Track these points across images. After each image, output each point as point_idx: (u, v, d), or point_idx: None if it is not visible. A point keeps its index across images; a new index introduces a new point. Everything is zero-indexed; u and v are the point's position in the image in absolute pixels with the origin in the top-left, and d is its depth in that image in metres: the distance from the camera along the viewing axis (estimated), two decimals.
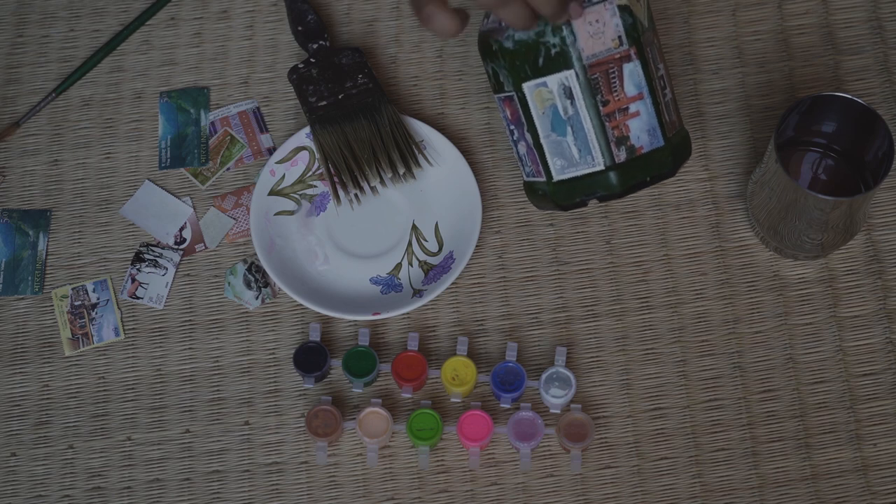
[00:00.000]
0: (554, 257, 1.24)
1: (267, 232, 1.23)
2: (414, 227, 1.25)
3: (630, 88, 1.11)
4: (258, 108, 1.29)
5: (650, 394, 1.19)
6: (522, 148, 1.14)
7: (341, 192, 1.24)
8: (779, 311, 1.21)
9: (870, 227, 1.25)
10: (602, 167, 1.11)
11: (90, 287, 1.23)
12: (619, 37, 1.10)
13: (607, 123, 1.11)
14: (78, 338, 1.22)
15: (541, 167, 1.14)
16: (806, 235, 1.17)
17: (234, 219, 1.25)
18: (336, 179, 1.24)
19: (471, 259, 1.24)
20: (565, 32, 1.08)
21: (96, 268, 1.24)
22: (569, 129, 1.11)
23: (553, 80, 1.10)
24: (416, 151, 1.25)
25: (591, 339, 1.21)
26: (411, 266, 1.23)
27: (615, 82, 1.11)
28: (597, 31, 1.09)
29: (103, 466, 1.18)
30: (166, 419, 1.19)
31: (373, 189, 1.25)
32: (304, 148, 1.26)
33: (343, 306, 1.20)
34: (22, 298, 1.23)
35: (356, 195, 1.23)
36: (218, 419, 1.19)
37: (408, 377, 1.17)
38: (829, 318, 1.21)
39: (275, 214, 1.24)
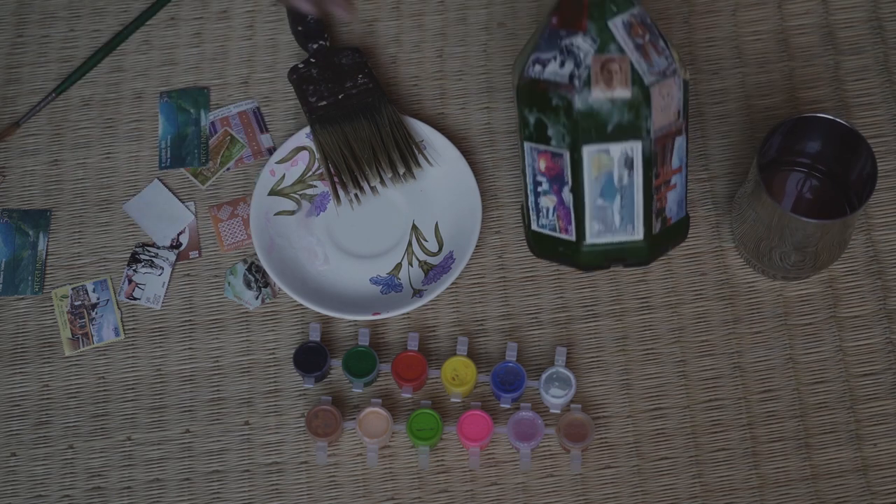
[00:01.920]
0: None
1: (267, 232, 1.23)
2: (414, 227, 1.25)
3: (675, 161, 1.12)
4: (258, 109, 1.29)
5: (650, 394, 1.19)
6: (549, 202, 1.13)
7: (341, 192, 1.24)
8: (779, 311, 1.21)
9: (870, 227, 1.25)
10: (640, 237, 1.12)
11: (90, 287, 1.23)
12: (678, 111, 1.10)
13: (654, 196, 1.11)
14: (78, 338, 1.22)
15: (572, 227, 1.12)
16: (788, 258, 1.16)
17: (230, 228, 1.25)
18: (336, 179, 1.24)
19: (471, 259, 1.24)
20: (643, 104, 1.07)
21: (96, 268, 1.24)
22: (619, 197, 1.10)
23: (617, 149, 1.08)
24: (416, 151, 1.25)
25: (591, 339, 1.21)
26: (411, 266, 1.23)
27: (668, 155, 1.11)
28: (665, 105, 1.09)
29: (103, 466, 1.18)
30: (166, 419, 1.19)
31: (373, 189, 1.25)
32: (304, 148, 1.26)
33: (343, 306, 1.20)
34: (22, 298, 1.23)
35: (356, 195, 1.23)
36: (218, 419, 1.19)
37: (408, 377, 1.17)
38: (829, 319, 1.21)
39: (275, 214, 1.24)
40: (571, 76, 1.06)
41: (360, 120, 1.25)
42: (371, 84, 1.26)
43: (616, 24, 1.06)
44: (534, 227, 1.15)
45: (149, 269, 1.23)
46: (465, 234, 1.23)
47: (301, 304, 1.22)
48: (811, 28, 1.32)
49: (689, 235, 1.25)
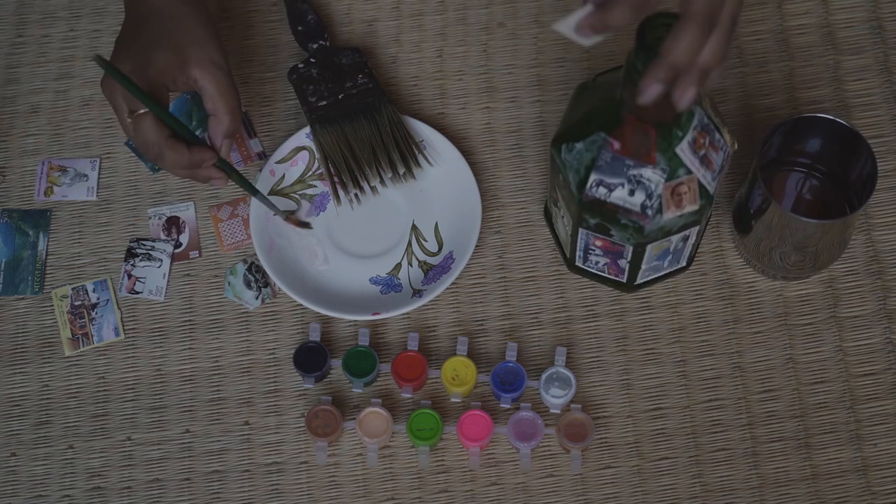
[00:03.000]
0: (554, 257, 1.24)
1: (267, 232, 1.23)
2: (414, 227, 1.25)
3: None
4: (245, 113, 1.29)
5: (650, 394, 1.19)
6: (600, 259, 1.16)
7: (341, 192, 1.24)
8: (779, 311, 1.21)
9: (870, 227, 1.25)
10: (683, 265, 1.20)
11: (90, 287, 1.23)
12: (727, 156, 1.13)
13: (697, 242, 1.18)
14: (78, 338, 1.21)
15: (624, 276, 1.17)
16: (788, 258, 1.16)
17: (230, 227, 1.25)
18: (336, 179, 1.24)
19: (471, 259, 1.24)
20: (707, 206, 1.09)
21: (96, 268, 1.24)
22: (671, 256, 1.15)
23: (677, 236, 1.12)
24: (416, 151, 1.25)
25: (591, 339, 1.21)
26: (411, 266, 1.23)
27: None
28: (718, 191, 1.13)
29: (103, 466, 1.18)
30: (166, 419, 1.19)
31: (373, 189, 1.25)
32: (303, 148, 1.26)
33: (343, 306, 1.20)
34: (22, 298, 1.23)
35: (356, 195, 1.23)
36: (218, 419, 1.19)
37: (408, 377, 1.17)
38: (829, 319, 1.21)
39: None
40: (643, 206, 1.07)
41: (360, 120, 1.25)
42: (371, 84, 1.26)
43: (683, 149, 1.06)
44: (577, 263, 1.19)
45: (147, 262, 1.23)
46: (465, 234, 1.23)
47: (301, 304, 1.22)
48: (811, 28, 1.32)
49: None
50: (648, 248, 1.11)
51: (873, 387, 1.19)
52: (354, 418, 1.17)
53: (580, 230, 1.12)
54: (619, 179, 1.06)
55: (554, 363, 1.18)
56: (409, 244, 1.24)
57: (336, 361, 1.19)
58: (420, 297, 1.20)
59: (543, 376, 1.16)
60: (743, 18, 1.32)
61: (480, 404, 1.17)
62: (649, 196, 1.06)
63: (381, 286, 1.23)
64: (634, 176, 1.06)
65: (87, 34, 1.33)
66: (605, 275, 1.18)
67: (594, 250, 1.15)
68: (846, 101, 1.29)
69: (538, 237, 1.24)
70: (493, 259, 1.24)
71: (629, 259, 1.13)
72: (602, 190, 1.07)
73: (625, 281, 1.18)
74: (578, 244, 1.15)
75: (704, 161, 1.07)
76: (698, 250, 1.23)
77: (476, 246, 1.24)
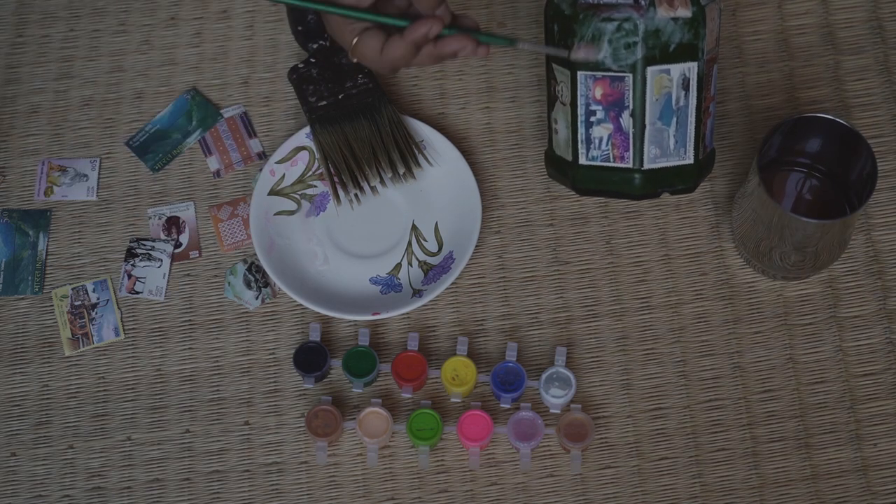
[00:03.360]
0: (554, 257, 1.24)
1: (267, 232, 1.23)
2: (414, 227, 1.25)
3: (713, 89, 1.15)
4: (245, 113, 1.29)
5: (650, 394, 1.19)
6: (603, 131, 1.13)
7: (341, 192, 1.24)
8: (779, 311, 1.21)
9: (870, 227, 1.25)
10: (691, 161, 1.14)
11: (90, 287, 1.23)
12: (717, 37, 1.14)
13: (702, 120, 1.14)
14: (78, 338, 1.22)
15: (629, 153, 1.14)
16: (788, 258, 1.16)
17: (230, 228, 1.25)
18: (336, 179, 1.24)
19: (471, 259, 1.24)
20: (700, 24, 1.09)
21: (96, 268, 1.24)
22: (675, 119, 1.13)
23: (677, 70, 1.11)
24: (416, 151, 1.25)
25: (591, 339, 1.21)
26: (411, 266, 1.23)
27: (711, 80, 1.14)
28: (712, 29, 1.12)
29: (103, 466, 1.18)
30: (166, 419, 1.19)
31: (373, 189, 1.25)
32: (303, 148, 1.26)
33: (343, 306, 1.20)
34: (22, 298, 1.23)
35: (356, 195, 1.23)
36: (218, 419, 1.19)
37: (408, 377, 1.17)
38: (829, 319, 1.21)
39: (275, 214, 1.24)
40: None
41: (360, 120, 1.25)
42: (371, 84, 1.26)
43: None
44: (582, 161, 1.15)
45: (147, 262, 1.23)
46: (464, 234, 1.23)
47: (301, 304, 1.22)
48: (811, 28, 1.32)
49: (689, 235, 1.25)
50: (649, 80, 1.10)
51: (873, 387, 1.19)
52: (354, 418, 1.17)
53: (579, 80, 1.12)
54: None
55: (554, 363, 1.18)
56: (409, 244, 1.24)
57: (336, 361, 1.19)
58: (420, 297, 1.20)
59: (543, 376, 1.16)
60: (743, 18, 1.32)
61: (480, 404, 1.17)
62: None
63: (381, 286, 1.23)
64: None
65: (87, 34, 1.33)
66: (611, 163, 1.14)
67: (596, 112, 1.13)
68: (846, 101, 1.29)
69: (538, 237, 1.24)
70: (493, 259, 1.24)
71: (632, 107, 1.12)
72: None
73: (632, 164, 1.14)
74: (579, 114, 1.14)
75: None
76: (700, 253, 1.23)
77: (476, 246, 1.24)
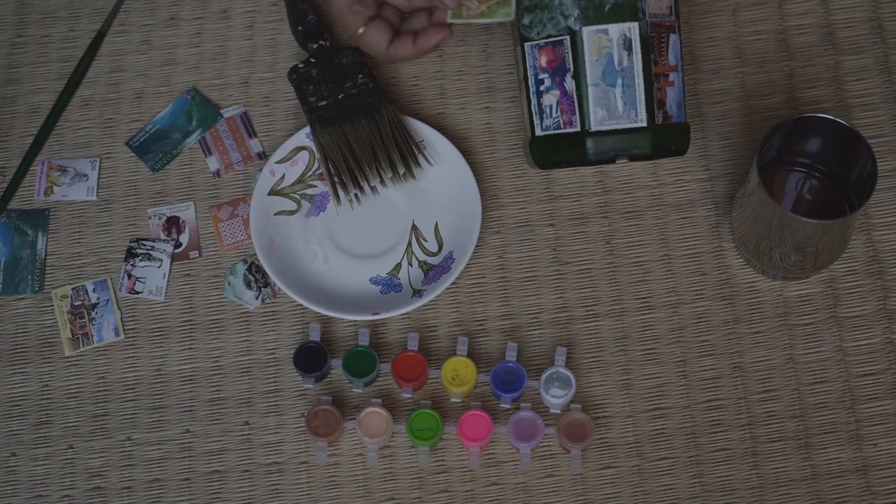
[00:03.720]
0: (554, 257, 1.24)
1: (267, 232, 1.23)
2: (414, 227, 1.25)
3: (671, 58, 1.15)
4: (245, 113, 1.29)
5: (650, 394, 1.19)
6: (552, 98, 1.15)
7: (341, 192, 1.24)
8: (779, 311, 1.21)
9: (870, 227, 1.25)
10: (644, 124, 1.14)
11: (90, 287, 1.23)
12: (671, 7, 1.15)
13: (654, 84, 1.14)
14: (78, 338, 1.21)
15: (576, 116, 1.14)
16: (788, 258, 1.16)
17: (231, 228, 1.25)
18: (336, 179, 1.24)
19: (471, 259, 1.24)
20: None
21: (96, 268, 1.24)
22: (619, 80, 1.13)
23: (615, 30, 1.12)
24: (416, 151, 1.25)
25: (591, 339, 1.21)
26: (411, 266, 1.23)
27: (663, 48, 1.15)
28: None
29: (103, 466, 1.18)
30: (166, 419, 1.19)
31: (373, 189, 1.25)
32: (303, 148, 1.26)
33: (343, 306, 1.20)
34: (22, 298, 1.23)
35: (356, 195, 1.23)
36: (218, 419, 1.19)
37: (408, 377, 1.17)
38: (829, 319, 1.21)
39: (275, 214, 1.24)
40: None
41: (360, 120, 1.25)
42: (371, 84, 1.26)
43: None
44: (538, 132, 1.17)
45: (147, 262, 1.23)
46: (464, 234, 1.23)
47: (301, 304, 1.22)
48: (811, 28, 1.32)
49: (689, 235, 1.25)
50: (586, 40, 1.12)
51: (873, 387, 1.19)
52: (354, 418, 1.17)
53: (526, 49, 1.15)
54: None
55: (554, 363, 1.18)
56: (409, 244, 1.24)
57: (336, 361, 1.19)
58: (420, 297, 1.20)
59: (543, 376, 1.16)
60: (743, 18, 1.32)
61: (480, 404, 1.17)
62: None
63: (381, 286, 1.23)
64: None
65: (87, 34, 1.33)
66: (562, 129, 1.15)
67: (544, 81, 1.15)
68: (846, 101, 1.29)
69: (538, 237, 1.24)
70: (493, 259, 1.24)
71: (571, 68, 1.13)
72: None
73: (580, 128, 1.14)
74: (530, 86, 1.16)
75: None
76: (700, 253, 1.23)
77: (476, 246, 1.24)
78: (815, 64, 1.30)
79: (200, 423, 1.19)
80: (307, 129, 1.26)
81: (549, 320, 1.22)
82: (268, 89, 1.30)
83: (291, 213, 1.25)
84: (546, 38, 1.14)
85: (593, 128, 1.14)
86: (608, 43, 1.13)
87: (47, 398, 1.20)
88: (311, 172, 1.26)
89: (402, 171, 1.23)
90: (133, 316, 1.22)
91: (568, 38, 1.13)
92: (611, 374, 1.20)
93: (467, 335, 1.21)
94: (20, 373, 1.21)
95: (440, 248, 1.24)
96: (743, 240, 1.19)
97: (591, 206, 1.26)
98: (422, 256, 1.24)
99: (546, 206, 1.26)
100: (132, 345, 1.21)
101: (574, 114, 1.14)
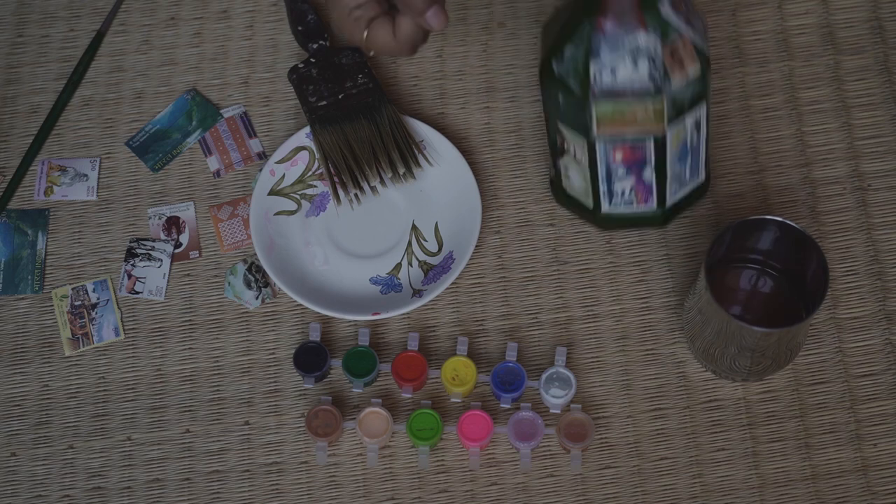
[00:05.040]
0: (554, 257, 1.24)
1: (267, 232, 1.23)
2: (414, 227, 1.25)
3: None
4: (245, 113, 1.29)
5: (650, 394, 1.19)
6: (625, 185, 1.16)
7: (341, 192, 1.24)
8: None
9: (870, 227, 1.25)
10: (703, 179, 1.20)
11: (90, 287, 1.23)
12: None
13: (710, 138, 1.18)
14: (78, 338, 1.22)
15: (654, 198, 1.17)
16: (735, 361, 1.13)
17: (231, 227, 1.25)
18: (336, 179, 1.24)
19: (471, 259, 1.24)
20: (706, 70, 1.09)
21: (96, 268, 1.24)
22: (689, 156, 1.15)
23: (691, 117, 1.12)
24: (416, 151, 1.25)
25: (591, 339, 1.21)
26: (411, 266, 1.23)
27: None
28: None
29: (103, 466, 1.18)
30: (166, 419, 1.19)
31: (373, 189, 1.25)
32: (303, 148, 1.26)
33: (343, 306, 1.20)
34: (22, 298, 1.23)
35: (356, 195, 1.23)
36: (218, 419, 1.19)
37: (408, 377, 1.17)
38: (829, 320, 1.21)
39: (275, 214, 1.24)
40: (651, 77, 1.07)
41: (360, 120, 1.25)
42: (371, 84, 1.26)
43: (666, 10, 1.06)
44: (604, 210, 1.19)
45: (147, 262, 1.23)
46: (464, 234, 1.23)
47: (301, 304, 1.22)
48: (811, 28, 1.32)
49: (688, 235, 1.25)
50: (669, 137, 1.11)
51: (873, 387, 1.19)
52: (354, 418, 1.17)
53: (598, 147, 1.12)
54: (619, 54, 1.06)
55: (554, 363, 1.18)
56: (409, 244, 1.24)
57: (336, 361, 1.19)
58: (420, 297, 1.20)
59: (543, 376, 1.16)
60: (743, 18, 1.32)
61: (480, 404, 1.17)
62: (653, 61, 1.06)
63: (381, 286, 1.23)
64: (632, 47, 1.06)
65: (87, 34, 1.33)
66: (634, 211, 1.16)
67: (616, 172, 1.13)
68: (846, 101, 1.29)
69: (538, 237, 1.24)
70: (493, 259, 1.24)
71: (653, 163, 1.12)
72: (606, 76, 1.07)
73: (655, 206, 1.17)
74: (600, 174, 1.14)
75: (687, 21, 1.07)
76: (700, 253, 1.23)
77: (476, 246, 1.24)
78: (815, 64, 1.31)
79: (200, 423, 1.19)
80: (307, 129, 1.26)
81: (548, 320, 1.22)
82: (268, 89, 1.30)
83: (291, 213, 1.25)
84: (627, 140, 1.11)
85: (669, 204, 1.18)
86: (684, 131, 1.12)
87: (47, 398, 1.20)
88: (311, 172, 1.26)
89: (402, 171, 1.23)
90: (133, 316, 1.22)
91: (651, 140, 1.11)
92: (611, 374, 1.20)
93: (467, 335, 1.21)
94: (20, 373, 1.21)
95: (440, 248, 1.24)
96: (692, 340, 1.17)
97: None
98: (422, 256, 1.24)
99: (546, 206, 1.26)
100: (132, 345, 1.21)
101: (651, 195, 1.17)
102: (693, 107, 1.11)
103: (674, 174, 1.16)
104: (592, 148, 1.12)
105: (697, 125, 1.13)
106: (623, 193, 1.16)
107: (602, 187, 1.16)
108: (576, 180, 1.18)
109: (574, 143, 1.13)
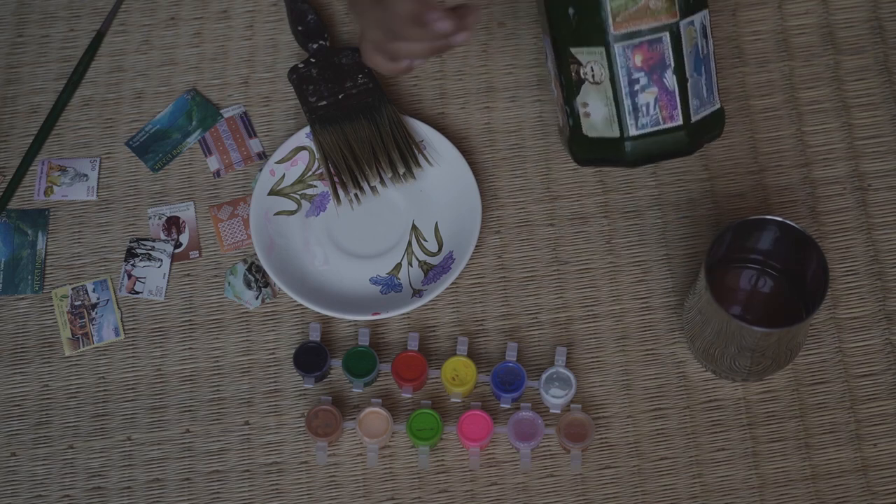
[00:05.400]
0: (554, 257, 1.24)
1: (267, 232, 1.23)
2: (414, 227, 1.25)
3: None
4: (245, 113, 1.29)
5: (650, 394, 1.19)
6: (650, 96, 1.13)
7: (341, 192, 1.24)
8: None
9: (870, 227, 1.25)
10: (718, 106, 1.17)
11: (90, 287, 1.23)
12: None
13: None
14: (78, 338, 1.22)
15: (678, 111, 1.14)
16: (735, 361, 1.14)
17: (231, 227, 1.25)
18: (336, 179, 1.24)
19: (471, 259, 1.24)
20: None
21: (96, 268, 1.24)
22: (703, 68, 1.15)
23: (697, 18, 1.13)
24: (416, 151, 1.25)
25: (591, 339, 1.21)
26: (411, 266, 1.23)
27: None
28: None
29: (103, 466, 1.18)
30: (166, 419, 1.19)
31: (373, 189, 1.25)
32: (304, 148, 1.26)
33: (343, 306, 1.20)
34: (22, 298, 1.23)
35: (356, 195, 1.23)
36: (218, 419, 1.19)
37: (408, 377, 1.17)
38: (829, 320, 1.21)
39: (275, 214, 1.24)
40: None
41: (360, 120, 1.25)
42: (371, 84, 1.26)
43: None
44: (633, 132, 1.14)
45: (147, 262, 1.23)
46: (464, 234, 1.23)
47: (301, 304, 1.22)
48: (811, 28, 1.32)
49: (688, 235, 1.25)
50: (683, 34, 1.11)
51: (873, 387, 1.19)
52: (354, 418, 1.17)
53: (617, 53, 1.12)
54: None
55: (554, 363, 1.18)
56: (409, 244, 1.24)
57: (336, 361, 1.19)
58: (420, 297, 1.20)
59: (543, 376, 1.16)
60: (743, 18, 1.32)
61: (480, 404, 1.17)
62: None
63: (381, 286, 1.23)
64: None
65: (87, 34, 1.33)
66: (662, 128, 1.14)
67: (639, 81, 1.13)
68: (846, 101, 1.29)
69: (538, 237, 1.25)
70: (492, 259, 1.24)
71: (673, 64, 1.12)
72: None
73: (681, 120, 1.14)
74: (622, 87, 1.13)
75: None
76: (699, 253, 1.23)
77: (476, 246, 1.24)
78: (815, 64, 1.31)
79: (200, 423, 1.19)
80: (307, 129, 1.26)
81: (548, 320, 1.22)
82: (268, 89, 1.30)
83: (291, 213, 1.25)
84: (643, 36, 1.12)
85: (693, 119, 1.15)
86: (694, 34, 1.13)
87: (47, 398, 1.20)
88: (311, 172, 1.26)
89: (402, 171, 1.23)
90: (133, 316, 1.22)
91: (667, 34, 1.12)
92: (611, 374, 1.20)
93: (467, 335, 1.21)
94: (20, 373, 1.21)
95: (440, 248, 1.24)
96: (692, 340, 1.17)
97: (591, 206, 1.26)
98: (422, 256, 1.24)
99: (546, 206, 1.26)
100: (132, 345, 1.21)
101: (675, 108, 1.14)
102: (697, 8, 1.12)
103: (693, 83, 1.14)
104: (611, 57, 1.12)
105: (705, 32, 1.13)
106: (648, 109, 1.14)
107: (626, 102, 1.14)
108: (597, 111, 1.16)
109: (591, 63, 1.13)
